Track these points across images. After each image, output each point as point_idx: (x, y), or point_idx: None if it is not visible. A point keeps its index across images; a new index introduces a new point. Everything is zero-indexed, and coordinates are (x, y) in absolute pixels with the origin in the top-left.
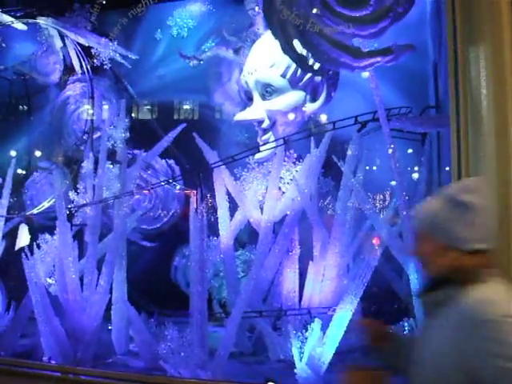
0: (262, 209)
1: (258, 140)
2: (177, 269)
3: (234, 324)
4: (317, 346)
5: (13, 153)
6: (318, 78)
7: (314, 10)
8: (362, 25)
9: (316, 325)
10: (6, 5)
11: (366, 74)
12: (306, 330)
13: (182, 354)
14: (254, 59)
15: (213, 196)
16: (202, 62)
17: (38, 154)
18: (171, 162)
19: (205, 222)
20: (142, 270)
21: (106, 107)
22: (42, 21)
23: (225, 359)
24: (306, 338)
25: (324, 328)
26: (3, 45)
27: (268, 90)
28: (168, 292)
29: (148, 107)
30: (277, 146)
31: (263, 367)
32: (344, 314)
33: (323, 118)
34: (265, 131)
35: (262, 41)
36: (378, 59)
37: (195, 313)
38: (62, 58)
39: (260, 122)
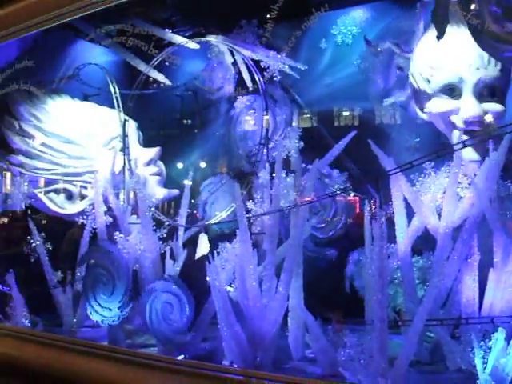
0: (439, 215)
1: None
2: (351, 276)
3: (415, 333)
4: (500, 356)
5: (188, 165)
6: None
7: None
8: None
9: (500, 334)
10: (175, 26)
11: None
12: (489, 340)
13: (362, 361)
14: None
15: (388, 203)
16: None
17: (211, 165)
18: (342, 169)
19: (384, 230)
20: (317, 277)
21: (278, 118)
22: (212, 39)
23: (405, 368)
24: (489, 348)
25: (508, 338)
26: (175, 63)
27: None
28: (342, 299)
29: (316, 116)
30: (455, 151)
31: (441, 377)
32: None
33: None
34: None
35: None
36: None
37: (375, 320)
38: (232, 72)
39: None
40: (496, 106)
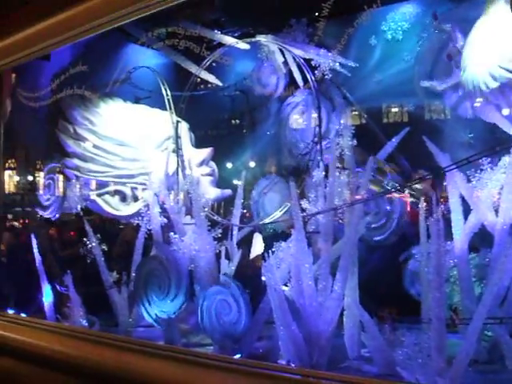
0: (496, 211)
1: None
2: (407, 274)
3: (474, 331)
4: None
5: (239, 165)
6: None
7: None
8: None
9: None
10: (224, 27)
11: None
12: None
13: (420, 360)
14: None
15: (443, 200)
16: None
17: (263, 165)
18: (395, 166)
19: (442, 227)
20: (372, 275)
21: (330, 117)
22: (262, 38)
23: (464, 367)
24: None
25: None
26: (226, 64)
27: None
28: (399, 298)
29: (368, 113)
30: None
31: (500, 376)
32: None
33: None
34: None
35: None
36: None
37: (433, 319)
38: (283, 71)
39: None
40: None
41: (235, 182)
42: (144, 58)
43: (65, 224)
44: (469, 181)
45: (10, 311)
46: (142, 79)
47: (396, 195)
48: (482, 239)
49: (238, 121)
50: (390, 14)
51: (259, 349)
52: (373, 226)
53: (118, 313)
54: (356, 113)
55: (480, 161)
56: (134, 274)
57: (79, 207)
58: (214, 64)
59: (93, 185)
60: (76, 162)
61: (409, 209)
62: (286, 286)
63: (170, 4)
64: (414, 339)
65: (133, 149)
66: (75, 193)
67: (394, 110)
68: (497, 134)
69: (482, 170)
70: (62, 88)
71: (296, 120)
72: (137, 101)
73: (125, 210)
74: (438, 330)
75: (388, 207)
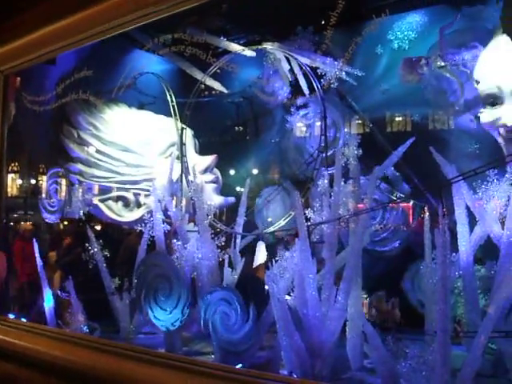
0: (502, 223)
1: None
2: (411, 285)
3: (479, 345)
4: None
5: (244, 173)
6: None
7: None
8: None
9: None
10: (230, 34)
11: None
12: None
13: (424, 373)
14: None
15: (450, 211)
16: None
17: (268, 173)
18: (402, 177)
19: (448, 239)
20: (375, 285)
21: (336, 125)
22: (269, 46)
23: (469, 381)
24: None
25: None
26: (232, 71)
27: None
28: (403, 309)
29: (373, 123)
30: None
31: None
32: None
33: None
34: None
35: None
36: None
37: (438, 331)
38: (289, 79)
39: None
40: None
41: (239, 189)
42: (149, 64)
43: (67, 229)
44: (475, 192)
45: (11, 316)
46: (147, 85)
47: (402, 205)
48: (487, 251)
49: (242, 128)
50: (397, 23)
51: (261, 359)
52: (378, 236)
53: (120, 319)
54: (362, 122)
55: (487, 172)
56: (135, 281)
57: (82, 212)
58: (219, 71)
59: (96, 190)
60: (80, 166)
61: (414, 219)
62: (290, 295)
63: (176, 10)
64: (418, 351)
65: (137, 155)
66: (78, 198)
67: (400, 119)
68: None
69: (488, 181)
70: (66, 92)
71: (301, 128)
72: (141, 107)
73: (128, 216)
74: (443, 343)
75: (393, 217)
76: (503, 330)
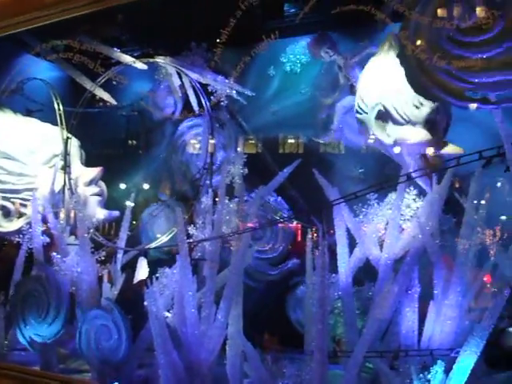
0: (381, 246)
1: None
2: (291, 306)
3: (355, 364)
4: None
5: (130, 187)
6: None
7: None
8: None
9: (439, 367)
10: (124, 45)
11: None
12: (428, 372)
13: None
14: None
15: (330, 232)
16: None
17: (153, 188)
18: (285, 198)
19: (327, 260)
20: (255, 305)
21: (222, 143)
22: (160, 60)
23: None
24: (428, 381)
25: (447, 370)
26: (122, 83)
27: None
28: (282, 329)
29: (262, 143)
30: (399, 183)
31: None
32: (469, 357)
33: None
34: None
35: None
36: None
37: (315, 350)
38: (179, 95)
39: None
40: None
41: (125, 203)
42: (39, 70)
43: None
44: (356, 215)
45: None
46: (35, 91)
47: (285, 226)
48: (366, 273)
49: (131, 141)
50: (290, 46)
51: (140, 377)
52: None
53: None
54: (250, 141)
55: (367, 196)
56: (12, 294)
57: None
58: (112, 82)
59: None
60: None
61: (294, 241)
62: (169, 312)
63: (66, 16)
64: (296, 370)
65: (20, 163)
66: None
67: (289, 141)
68: (386, 170)
69: (368, 204)
70: None
71: (189, 145)
72: (28, 113)
73: (7, 226)
74: (320, 362)
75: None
76: (379, 350)
